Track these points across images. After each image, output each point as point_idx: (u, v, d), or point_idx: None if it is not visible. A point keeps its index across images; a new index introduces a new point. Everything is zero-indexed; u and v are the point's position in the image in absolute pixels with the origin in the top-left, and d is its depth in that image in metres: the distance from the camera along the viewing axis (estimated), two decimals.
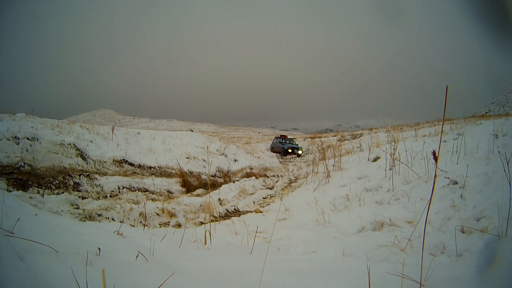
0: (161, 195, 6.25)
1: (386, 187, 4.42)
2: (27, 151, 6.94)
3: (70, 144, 8.45)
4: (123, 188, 6.25)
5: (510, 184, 2.22)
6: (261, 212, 4.80)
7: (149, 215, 4.29)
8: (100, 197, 5.63)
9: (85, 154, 8.57)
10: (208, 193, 6.22)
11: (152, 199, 5.71)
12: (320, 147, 8.75)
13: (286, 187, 7.75)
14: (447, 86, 1.53)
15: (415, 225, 2.69)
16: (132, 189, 6.31)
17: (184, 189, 7.02)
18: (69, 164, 7.78)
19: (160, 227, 4.06)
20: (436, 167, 1.54)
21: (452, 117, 10.84)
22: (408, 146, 5.66)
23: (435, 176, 1.65)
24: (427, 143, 5.84)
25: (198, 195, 6.38)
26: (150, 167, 9.74)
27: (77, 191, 5.69)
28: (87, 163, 8.33)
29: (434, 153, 1.51)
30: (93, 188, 5.94)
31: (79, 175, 6.17)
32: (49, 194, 5.08)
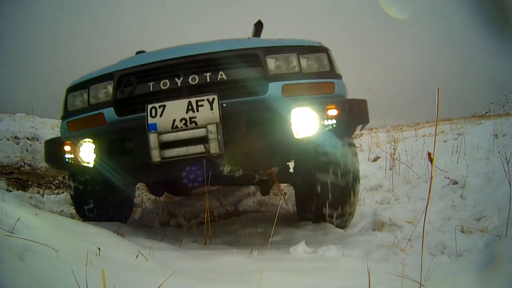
0: None
1: (386, 187, 4.42)
2: (27, 151, 6.93)
3: None
4: None
5: (510, 184, 2.23)
6: (261, 212, 4.80)
7: (149, 215, 4.29)
8: None
9: None
10: (208, 193, 6.21)
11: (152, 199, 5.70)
12: None
13: (286, 186, 7.74)
14: (438, 88, 1.54)
15: (415, 225, 2.69)
16: None
17: None
18: None
19: (160, 227, 4.07)
20: (432, 168, 1.54)
21: (452, 117, 10.89)
22: (408, 146, 5.65)
23: (431, 177, 1.66)
24: (427, 143, 5.84)
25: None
26: None
27: None
28: None
29: (429, 154, 1.51)
30: None
31: None
32: (49, 194, 5.07)
